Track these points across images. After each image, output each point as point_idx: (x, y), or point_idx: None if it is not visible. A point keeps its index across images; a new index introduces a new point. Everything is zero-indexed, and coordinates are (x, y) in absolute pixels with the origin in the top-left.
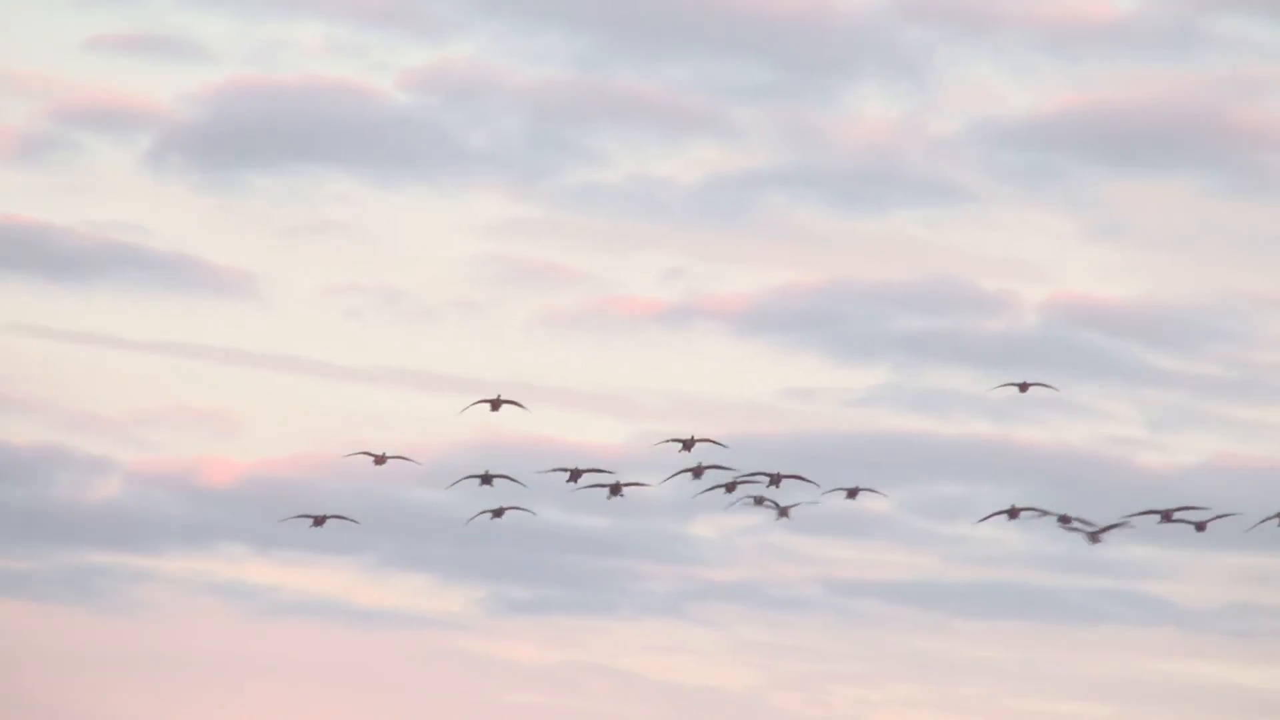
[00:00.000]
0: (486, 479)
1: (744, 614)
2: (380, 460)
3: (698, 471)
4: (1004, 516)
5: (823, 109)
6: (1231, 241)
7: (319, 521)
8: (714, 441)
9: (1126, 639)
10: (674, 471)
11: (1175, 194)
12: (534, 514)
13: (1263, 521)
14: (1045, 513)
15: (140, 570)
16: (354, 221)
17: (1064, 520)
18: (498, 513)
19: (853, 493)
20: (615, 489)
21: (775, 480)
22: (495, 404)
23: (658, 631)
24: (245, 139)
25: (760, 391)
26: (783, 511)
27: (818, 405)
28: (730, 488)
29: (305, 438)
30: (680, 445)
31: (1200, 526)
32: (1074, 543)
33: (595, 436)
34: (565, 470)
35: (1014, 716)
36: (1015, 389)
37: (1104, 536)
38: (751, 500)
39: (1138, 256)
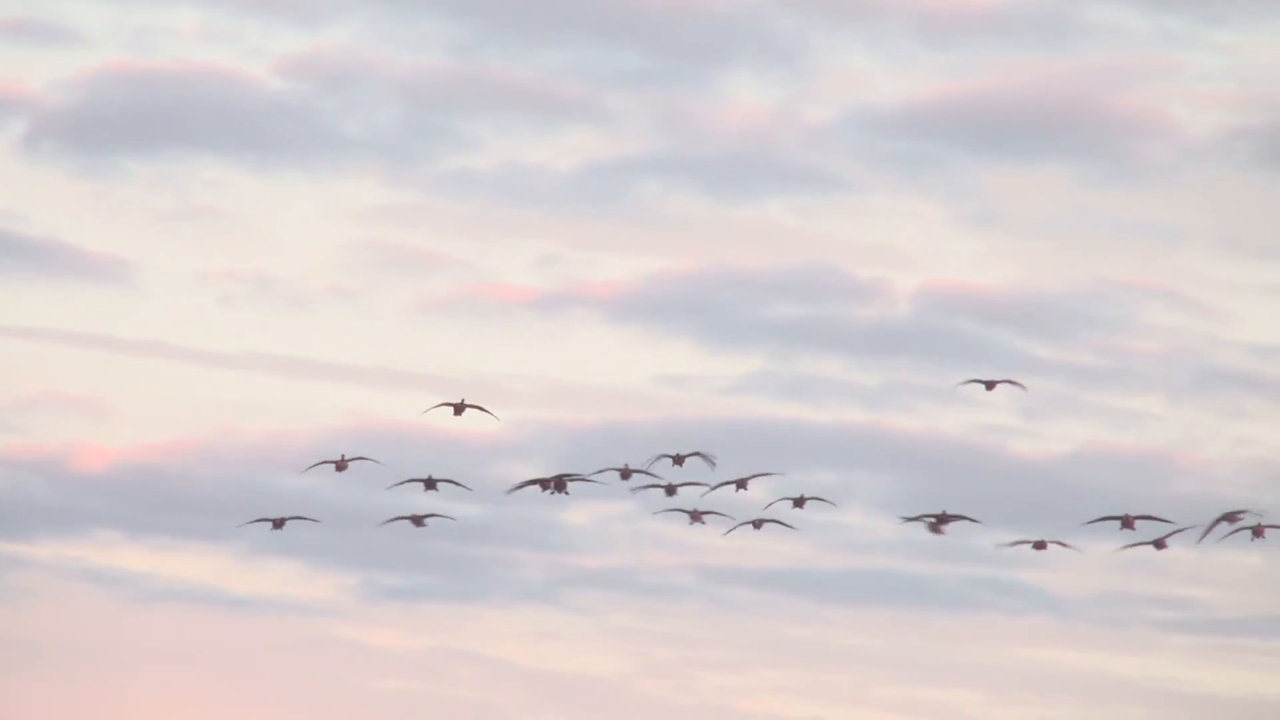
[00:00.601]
0: (430, 484)
1: (616, 601)
2: (341, 465)
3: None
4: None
5: (697, 96)
6: (1105, 229)
7: (278, 524)
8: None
9: (998, 627)
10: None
11: (1049, 182)
12: (454, 520)
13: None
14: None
15: (11, 557)
16: (228, 208)
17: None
18: (417, 520)
19: (799, 501)
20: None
21: (741, 484)
22: (459, 407)
23: (529, 619)
24: (120, 125)
25: (634, 379)
26: (695, 517)
27: (691, 392)
28: (671, 490)
29: (178, 424)
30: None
31: (1159, 545)
32: (949, 532)
33: (469, 424)
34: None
35: (884, 704)
36: (981, 386)
37: (946, 528)
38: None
39: (1012, 244)
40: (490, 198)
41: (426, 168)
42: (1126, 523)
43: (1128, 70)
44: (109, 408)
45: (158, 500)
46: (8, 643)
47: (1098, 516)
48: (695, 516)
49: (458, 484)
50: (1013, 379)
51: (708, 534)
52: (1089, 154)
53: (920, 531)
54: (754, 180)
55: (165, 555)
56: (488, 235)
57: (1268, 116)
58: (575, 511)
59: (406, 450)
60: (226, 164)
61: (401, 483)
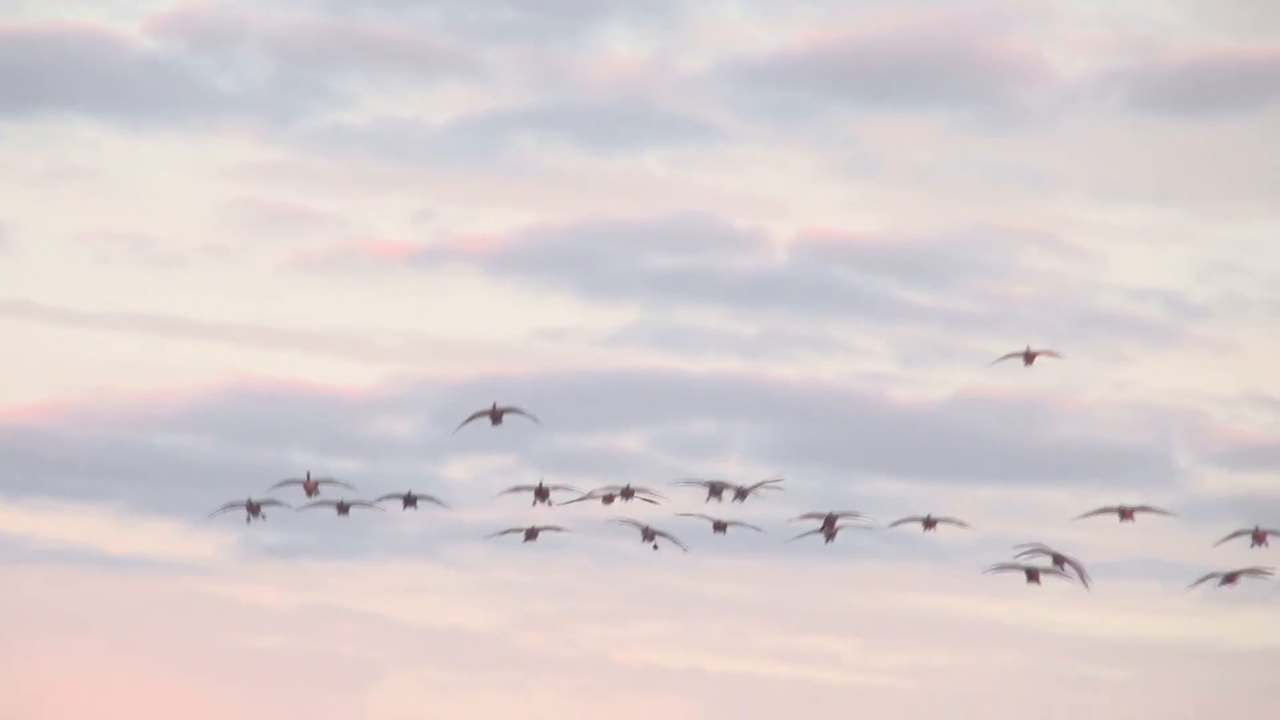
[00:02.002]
0: (496, 417)
1: (494, 555)
2: (311, 488)
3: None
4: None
5: (571, 49)
6: (981, 175)
7: (254, 510)
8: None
9: (880, 574)
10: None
11: (925, 129)
12: (568, 531)
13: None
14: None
15: None
16: (102, 168)
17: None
18: (531, 534)
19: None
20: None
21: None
22: (495, 415)
23: (406, 573)
24: None
25: (511, 332)
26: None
27: (568, 345)
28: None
29: (53, 385)
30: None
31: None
32: (829, 477)
33: (345, 379)
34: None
35: (762, 652)
36: (1020, 359)
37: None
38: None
39: (888, 192)
40: (364, 154)
41: (300, 125)
42: (1126, 515)
43: (1002, 15)
44: None
45: (34, 461)
46: None
47: (1097, 509)
48: (648, 535)
49: (437, 501)
50: (1051, 350)
51: (590, 486)
52: (964, 100)
53: (802, 481)
54: (629, 132)
55: (43, 516)
56: (362, 192)
57: (1142, 60)
58: (454, 466)
59: (282, 407)
60: (100, 124)
61: (383, 498)
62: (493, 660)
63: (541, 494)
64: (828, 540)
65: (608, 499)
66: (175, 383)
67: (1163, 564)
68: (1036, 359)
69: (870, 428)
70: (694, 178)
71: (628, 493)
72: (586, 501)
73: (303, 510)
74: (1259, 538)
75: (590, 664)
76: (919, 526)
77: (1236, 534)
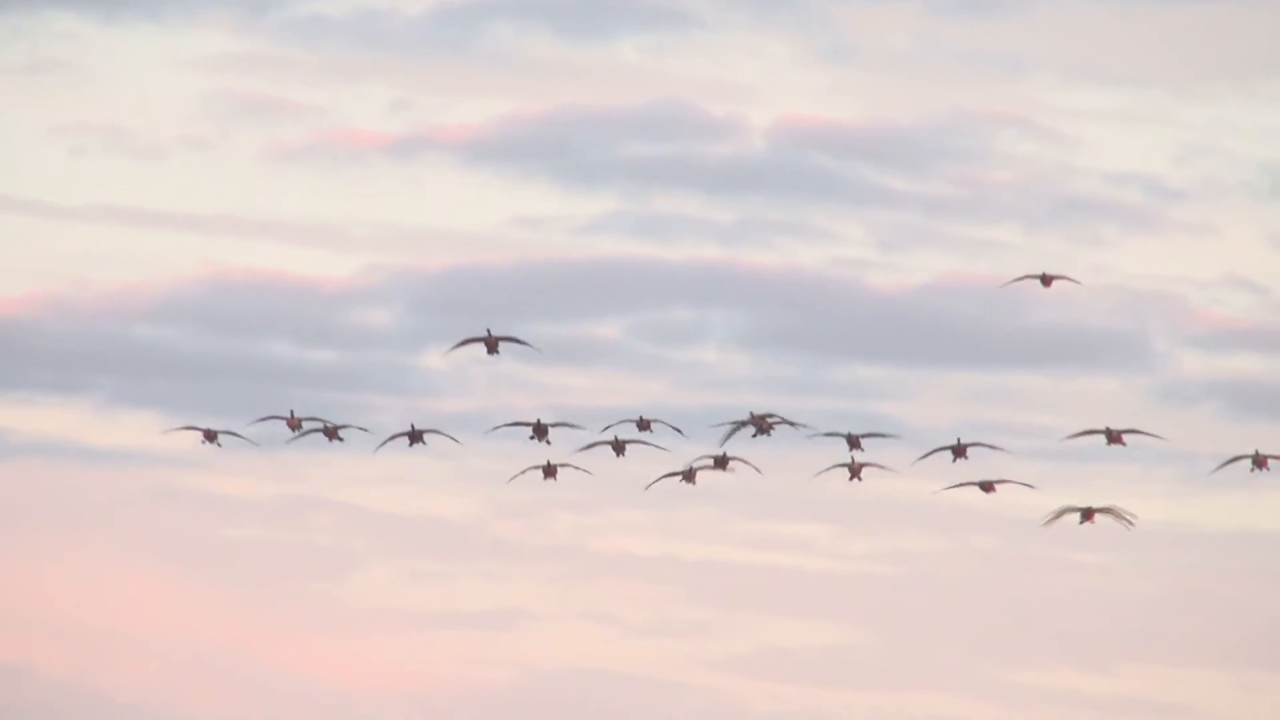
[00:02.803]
0: (491, 345)
1: (474, 445)
2: (295, 424)
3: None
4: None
5: None
6: (957, 60)
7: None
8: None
9: (857, 459)
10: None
11: (900, 13)
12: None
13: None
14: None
15: None
16: (79, 60)
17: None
18: (549, 471)
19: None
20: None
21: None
22: (490, 342)
23: (384, 463)
24: None
25: (488, 221)
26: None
27: (546, 234)
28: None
29: (31, 278)
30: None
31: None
32: (806, 363)
33: (321, 269)
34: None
35: (737, 539)
36: (1037, 281)
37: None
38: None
39: (865, 77)
40: (341, 43)
41: (277, 15)
42: (1045, 281)
43: None
44: None
45: (12, 354)
46: None
47: (1082, 430)
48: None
49: (449, 436)
50: (1067, 274)
51: (568, 375)
52: None
53: (780, 368)
54: (606, 20)
55: (21, 410)
56: (339, 81)
57: None
58: (432, 356)
59: (260, 298)
60: (75, 16)
61: (391, 438)
62: (470, 550)
63: (540, 431)
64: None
65: (618, 447)
66: (153, 274)
67: (1141, 447)
68: (1054, 283)
69: (848, 313)
70: (670, 65)
71: (643, 424)
72: (597, 448)
73: (293, 441)
74: (1260, 462)
75: (567, 552)
76: (843, 442)
77: (1236, 459)
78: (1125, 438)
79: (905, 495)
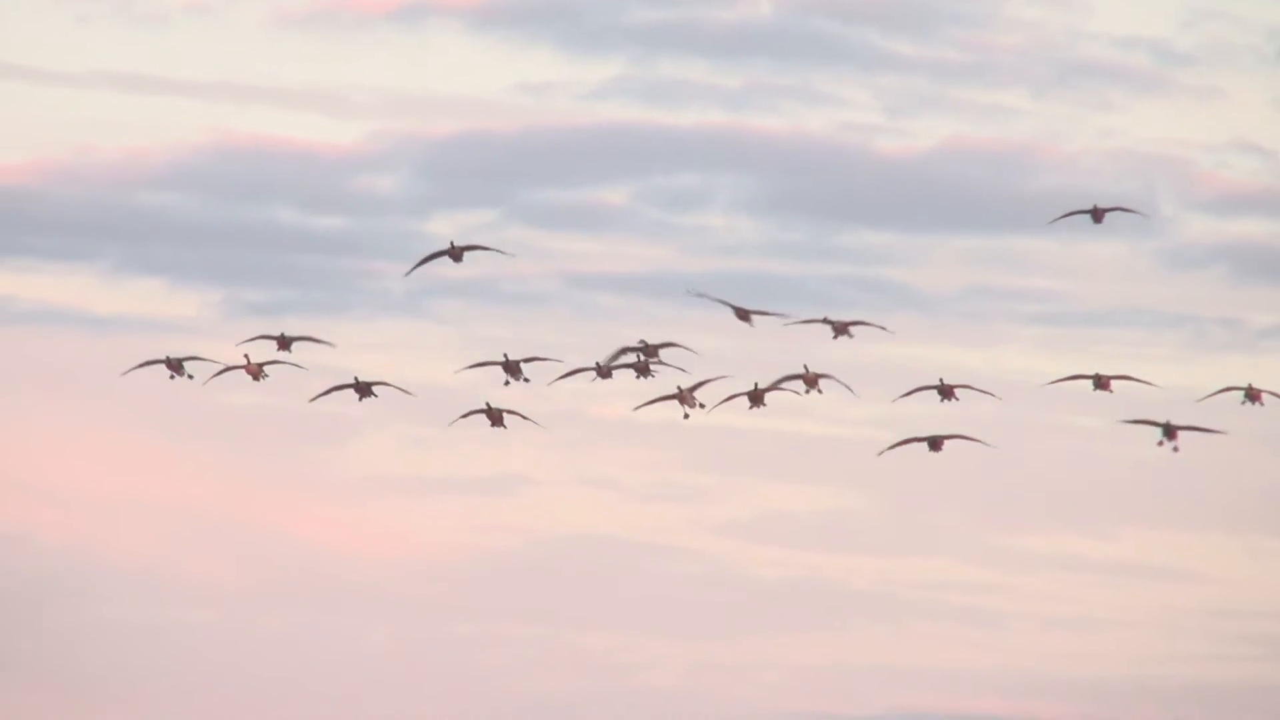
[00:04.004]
0: (456, 256)
1: (480, 311)
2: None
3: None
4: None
5: None
6: None
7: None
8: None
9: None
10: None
11: None
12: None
13: None
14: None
15: None
16: None
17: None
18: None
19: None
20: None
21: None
22: (454, 253)
23: (388, 330)
24: None
25: (494, 87)
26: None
27: (552, 99)
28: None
29: (36, 145)
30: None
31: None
32: (811, 230)
33: (326, 136)
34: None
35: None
36: (1087, 217)
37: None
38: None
39: None
40: None
41: None
42: (1096, 216)
43: None
44: None
45: (17, 222)
46: None
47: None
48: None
49: (396, 388)
50: (1124, 205)
51: (576, 241)
52: None
53: (787, 233)
54: None
55: (23, 277)
56: None
57: None
58: (438, 222)
59: (265, 164)
60: None
61: (328, 391)
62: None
63: (511, 369)
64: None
65: (604, 374)
66: (158, 141)
67: (1148, 312)
68: (1105, 216)
69: (855, 178)
70: None
71: (647, 359)
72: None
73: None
74: (1253, 395)
75: (568, 418)
76: (827, 330)
77: (1227, 389)
78: (1112, 384)
79: (907, 360)
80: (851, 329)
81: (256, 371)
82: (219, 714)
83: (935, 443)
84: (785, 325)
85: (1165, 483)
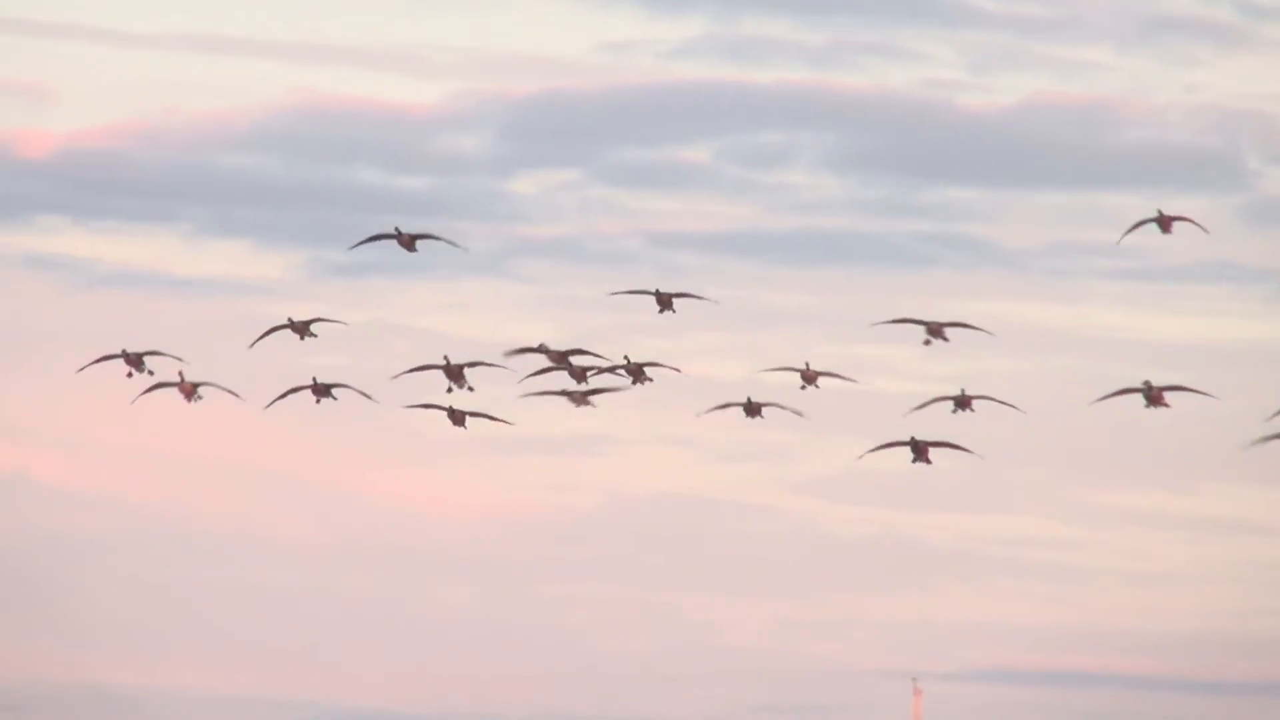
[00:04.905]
0: (407, 244)
1: (564, 270)
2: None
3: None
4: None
5: None
6: None
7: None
8: None
9: (941, 281)
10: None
11: None
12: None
13: None
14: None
15: None
16: None
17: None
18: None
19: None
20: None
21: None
22: (403, 241)
23: (468, 290)
24: None
25: (578, 47)
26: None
27: (633, 58)
28: None
29: (121, 108)
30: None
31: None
32: (893, 187)
33: (410, 96)
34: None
35: (820, 361)
36: (1155, 225)
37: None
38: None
39: None
40: None
41: None
42: (1164, 224)
43: None
44: (51, 93)
45: (101, 185)
46: None
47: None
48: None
49: (356, 390)
50: (1186, 215)
51: (657, 199)
52: None
53: (869, 190)
54: None
55: (109, 239)
56: None
57: None
58: (521, 181)
59: (348, 125)
60: None
61: (284, 394)
62: (553, 372)
63: (454, 375)
64: None
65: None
66: (241, 102)
67: (1231, 266)
68: (1172, 226)
69: (939, 135)
70: None
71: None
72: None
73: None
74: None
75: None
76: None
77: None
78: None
79: (989, 316)
80: (946, 331)
81: (190, 391)
82: (306, 669)
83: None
84: (873, 326)
85: (1245, 439)
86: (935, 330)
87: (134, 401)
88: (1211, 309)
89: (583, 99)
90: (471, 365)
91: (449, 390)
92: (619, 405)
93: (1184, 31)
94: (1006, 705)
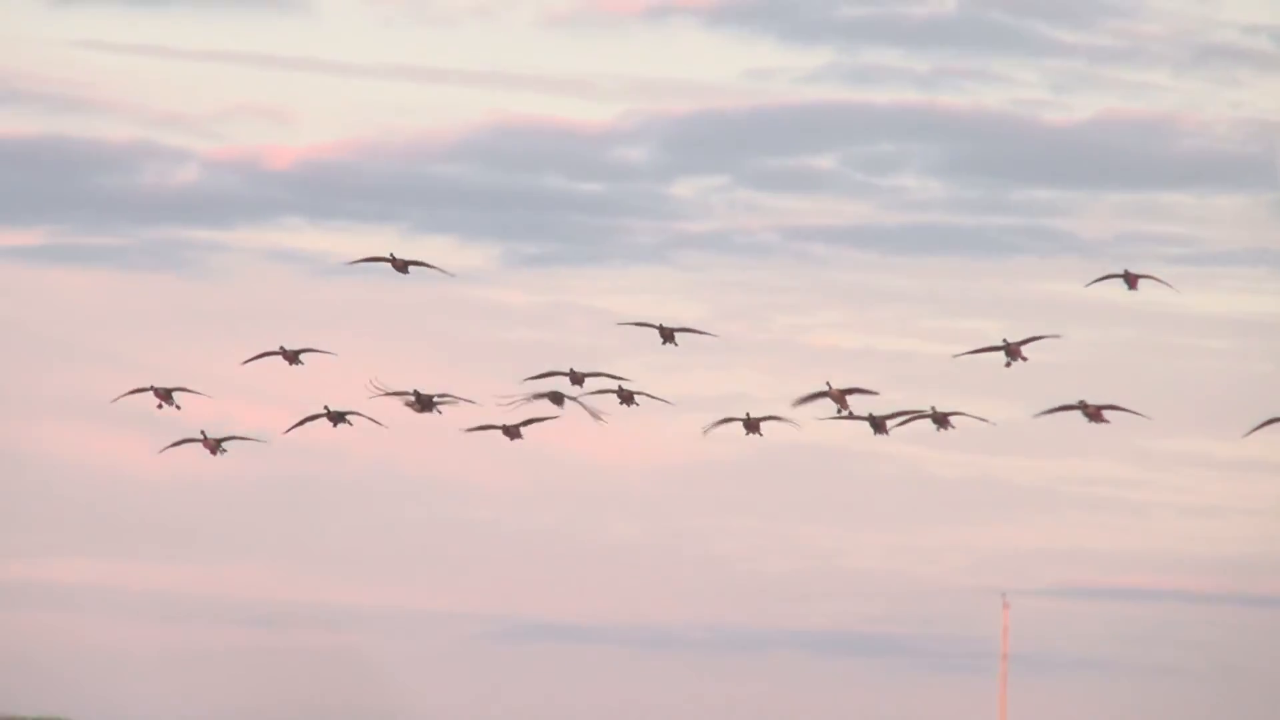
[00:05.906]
0: (400, 267)
1: (715, 259)
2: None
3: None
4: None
5: None
6: None
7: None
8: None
9: (1026, 267)
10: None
11: None
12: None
13: None
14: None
15: (215, 242)
16: None
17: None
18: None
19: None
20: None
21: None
22: (397, 265)
23: (636, 275)
24: None
25: (726, 74)
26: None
27: (773, 83)
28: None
29: (349, 127)
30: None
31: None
32: (990, 186)
33: (587, 116)
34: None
35: (924, 334)
36: (1121, 281)
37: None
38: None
39: None
40: None
41: None
42: (1130, 281)
43: None
44: (292, 115)
45: (332, 190)
46: (213, 313)
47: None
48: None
49: (368, 418)
50: (1152, 274)
51: (792, 200)
52: None
53: (968, 191)
54: None
55: (340, 236)
56: None
57: None
58: (680, 185)
59: (536, 140)
60: None
61: (300, 422)
62: (701, 345)
63: (424, 403)
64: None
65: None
66: (446, 122)
67: (1269, 252)
68: (1139, 283)
69: (1025, 145)
70: None
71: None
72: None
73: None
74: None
75: (782, 347)
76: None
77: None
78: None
79: (1064, 295)
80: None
81: (214, 447)
82: (492, 597)
83: (1012, 351)
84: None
85: None
86: (1014, 351)
87: (162, 452)
88: (1252, 288)
89: (730, 117)
90: (441, 398)
91: (420, 410)
92: (758, 370)
93: (1229, 58)
94: (1080, 617)
